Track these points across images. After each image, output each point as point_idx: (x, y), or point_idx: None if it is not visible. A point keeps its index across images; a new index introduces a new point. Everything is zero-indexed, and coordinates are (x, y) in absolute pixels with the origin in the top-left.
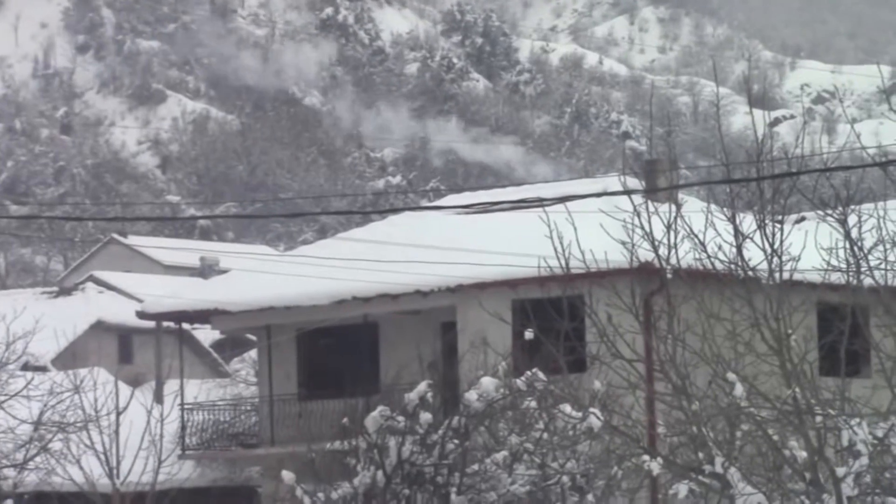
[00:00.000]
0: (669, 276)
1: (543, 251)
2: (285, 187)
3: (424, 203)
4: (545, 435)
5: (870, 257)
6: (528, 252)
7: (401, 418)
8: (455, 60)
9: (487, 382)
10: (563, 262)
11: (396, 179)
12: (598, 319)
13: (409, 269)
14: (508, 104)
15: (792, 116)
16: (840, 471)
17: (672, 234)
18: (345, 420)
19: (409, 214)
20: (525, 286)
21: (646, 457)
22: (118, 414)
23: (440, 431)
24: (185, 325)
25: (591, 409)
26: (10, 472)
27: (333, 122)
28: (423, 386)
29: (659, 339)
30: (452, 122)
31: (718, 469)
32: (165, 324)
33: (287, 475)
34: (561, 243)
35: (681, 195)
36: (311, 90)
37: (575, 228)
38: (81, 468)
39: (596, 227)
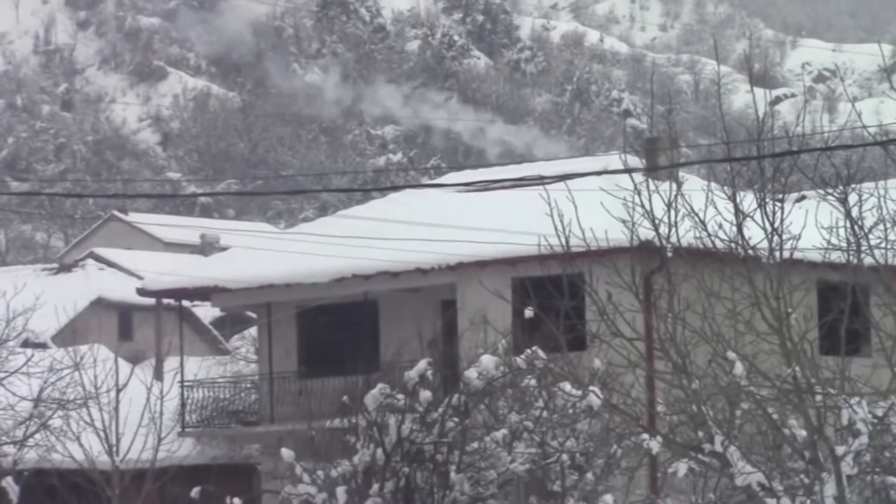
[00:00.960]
0: (670, 254)
1: (543, 229)
2: (286, 164)
3: (425, 181)
4: (545, 413)
5: (870, 236)
6: (528, 230)
7: (400, 396)
8: (456, 38)
9: (487, 360)
10: (563, 241)
11: (397, 157)
12: (598, 298)
13: (410, 247)
14: (509, 82)
15: (793, 95)
16: (840, 449)
17: (672, 212)
18: (344, 398)
19: (410, 192)
20: (525, 264)
21: (645, 435)
22: (118, 391)
23: (440, 409)
24: (186, 303)
25: (591, 388)
26: (10, 449)
27: (335, 100)
28: (422, 364)
29: (659, 317)
30: (453, 99)
31: (718, 448)
32: (165, 301)
33: (287, 453)
34: (561, 221)
35: (681, 173)
36: (312, 66)
37: (575, 207)
38: (81, 445)
39: (596, 205)
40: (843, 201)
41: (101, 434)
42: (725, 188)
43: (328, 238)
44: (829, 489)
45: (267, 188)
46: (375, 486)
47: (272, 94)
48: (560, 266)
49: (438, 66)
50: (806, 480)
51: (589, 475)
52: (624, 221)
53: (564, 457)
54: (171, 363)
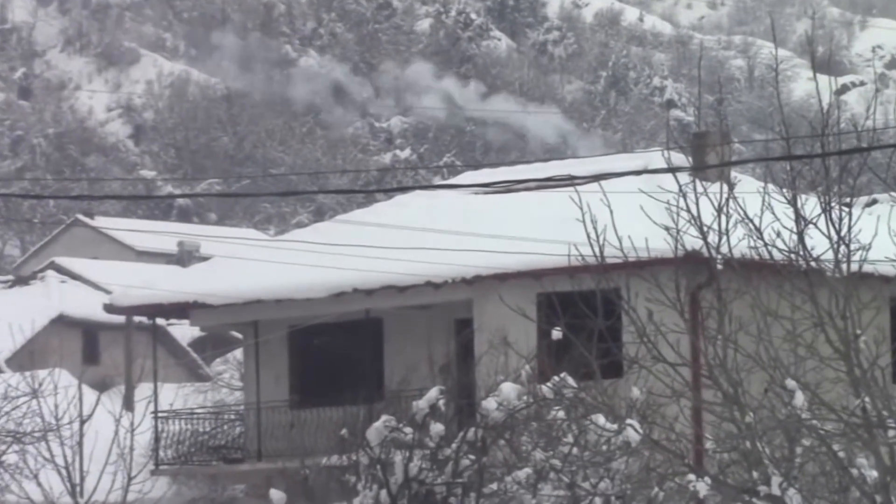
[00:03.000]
0: (720, 266)
1: (574, 237)
2: (277, 162)
3: (437, 181)
4: (575, 450)
5: None
6: (556, 238)
7: (408, 430)
8: (473, 16)
9: (508, 389)
10: (596, 250)
11: (405, 153)
12: (637, 317)
13: (419, 257)
14: (535, 67)
15: (862, 83)
16: None
17: (723, 218)
18: (343, 431)
19: (420, 194)
20: (552, 277)
21: (691, 476)
22: (82, 422)
23: (454, 445)
24: (160, 321)
25: (629, 421)
26: None
27: (333, 87)
28: (433, 392)
29: (707, 339)
30: (471, 87)
31: (775, 490)
32: (137, 319)
33: (276, 495)
34: (594, 228)
35: (733, 173)
36: (307, 49)
37: (611, 211)
38: (40, 484)
39: (635, 209)
40: None
41: (63, 472)
42: (784, 190)
43: (325, 247)
44: None
45: (255, 189)
46: None
47: (261, 81)
48: (593, 280)
49: (453, 48)
50: None
51: None
52: (667, 228)
53: (598, 500)
54: (143, 390)
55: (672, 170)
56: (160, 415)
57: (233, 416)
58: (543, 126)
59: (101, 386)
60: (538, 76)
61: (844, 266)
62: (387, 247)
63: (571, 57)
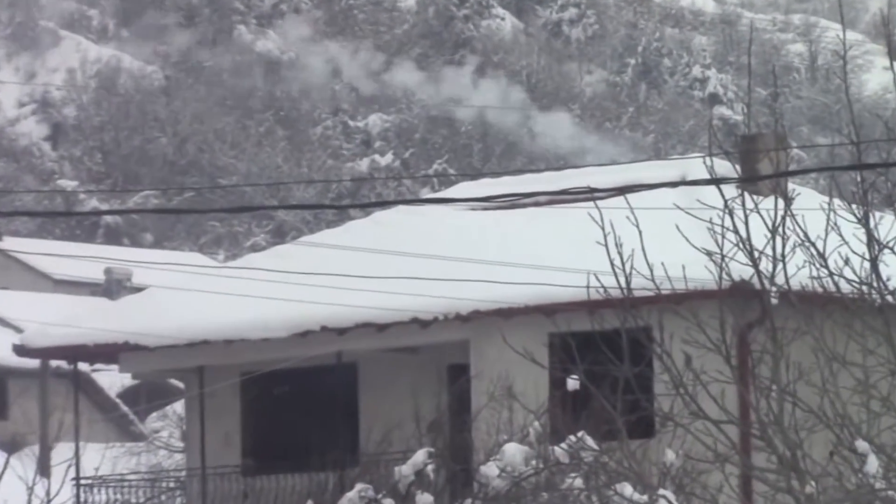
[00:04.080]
0: (775, 300)
1: (594, 264)
2: (227, 170)
3: (425, 194)
4: None
5: None
6: (572, 265)
7: (389, 501)
8: None
9: (513, 451)
10: (622, 281)
11: (386, 159)
12: (672, 363)
13: (403, 288)
14: (546, 53)
15: None
16: None
17: (779, 240)
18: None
19: (404, 210)
20: (568, 314)
21: None
22: None
23: None
24: (83, 366)
25: (662, 492)
26: None
27: (297, 77)
28: (420, 455)
29: (759, 391)
30: (467, 78)
31: None
32: (55, 363)
33: None
34: (620, 253)
35: (791, 185)
36: (265, 30)
37: (640, 232)
38: None
39: (670, 229)
40: None
41: None
42: (854, 207)
43: (287, 275)
44: None
45: (200, 204)
46: None
47: (208, 70)
48: (618, 317)
49: (445, 29)
50: None
51: None
52: (709, 253)
53: None
54: (61, 452)
55: (716, 181)
56: (83, 482)
57: (172, 485)
58: (557, 126)
59: (10, 446)
60: (550, 64)
61: None
62: (363, 275)
63: (592, 41)
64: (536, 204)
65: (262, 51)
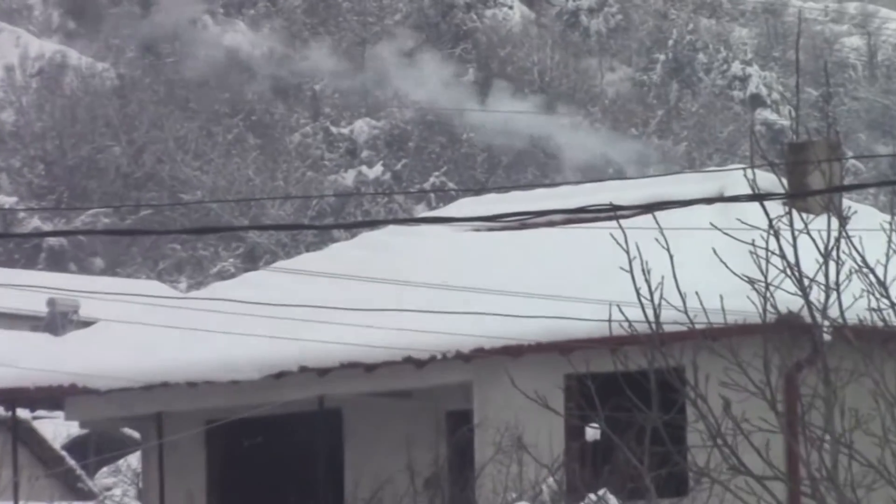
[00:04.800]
0: (828, 337)
1: (617, 293)
2: (190, 183)
3: (421, 212)
4: None
5: None
6: (591, 295)
7: None
8: None
9: None
10: (650, 313)
11: (374, 171)
12: (709, 409)
13: (395, 322)
14: (561, 48)
15: None
16: None
17: (833, 266)
18: None
19: (396, 230)
20: (587, 351)
21: None
22: None
23: None
24: (23, 413)
25: None
26: None
27: (272, 76)
28: None
29: (810, 442)
30: (469, 76)
31: None
32: None
33: None
34: (647, 280)
35: (846, 202)
36: (234, 21)
37: (671, 256)
38: None
39: (706, 253)
40: None
41: None
42: None
43: (259, 307)
44: None
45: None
46: None
47: (168, 68)
48: (645, 356)
49: (444, 20)
50: None
51: None
52: (752, 281)
53: None
54: None
55: (759, 197)
56: None
57: None
58: (574, 133)
59: None
60: (566, 61)
61: None
62: (348, 307)
63: (614, 33)
64: (550, 224)
65: (230, 45)
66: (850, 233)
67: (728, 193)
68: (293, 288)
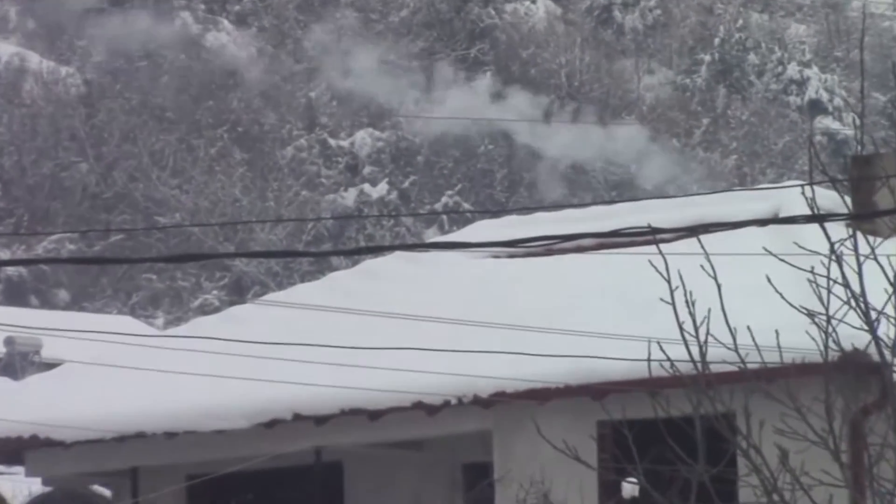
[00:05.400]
0: None
1: (657, 328)
2: (168, 204)
3: (431, 236)
4: None
5: None
6: (627, 331)
7: None
8: None
9: None
10: (694, 352)
11: (379, 190)
12: (763, 460)
13: (403, 362)
14: (592, 48)
15: None
16: None
17: None
18: None
19: (403, 257)
20: (622, 396)
21: None
22: None
23: None
24: None
25: None
26: None
27: (261, 81)
28: None
29: (878, 497)
30: (486, 79)
31: None
32: None
33: None
34: (691, 314)
35: None
36: (217, 19)
37: (718, 286)
38: None
39: (758, 281)
40: None
41: None
42: None
43: (247, 346)
44: None
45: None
46: None
47: (142, 71)
48: (689, 400)
49: (458, 16)
50: None
51: None
52: (811, 314)
53: None
54: None
55: (819, 217)
56: None
57: None
58: (607, 145)
59: None
60: (598, 62)
61: None
62: (349, 345)
63: (653, 31)
64: (580, 249)
65: (213, 46)
66: None
67: (783, 214)
68: (286, 324)
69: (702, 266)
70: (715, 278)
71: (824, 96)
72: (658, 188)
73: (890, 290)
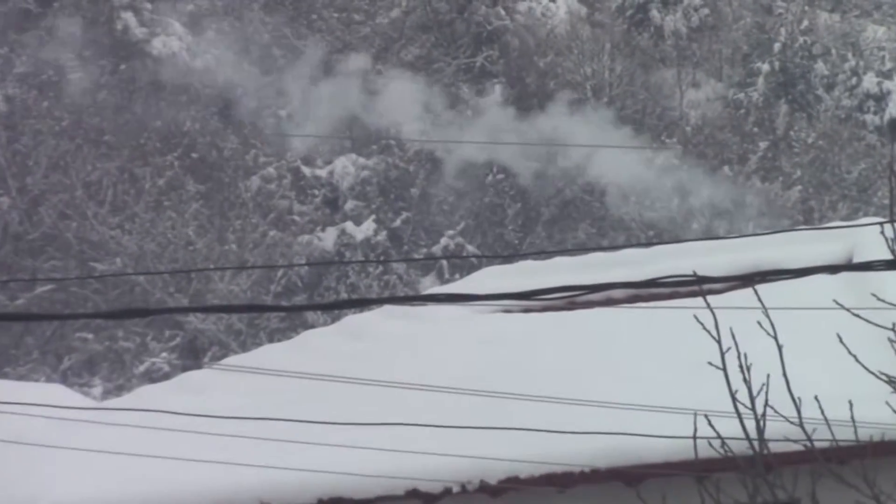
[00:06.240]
0: None
1: (703, 398)
2: (106, 247)
3: (428, 286)
4: None
5: None
6: (667, 402)
7: None
8: None
9: None
10: (750, 428)
11: (364, 230)
12: None
13: (394, 440)
14: (625, 55)
15: None
16: None
17: None
18: None
19: (393, 312)
20: (662, 481)
21: None
22: None
23: None
24: None
25: None
26: None
27: (219, 97)
28: None
29: None
30: (495, 94)
31: None
32: None
33: None
34: (747, 381)
35: None
36: (167, 21)
37: (779, 346)
38: None
39: (829, 341)
40: None
41: None
42: None
43: (204, 420)
44: None
45: (63, 304)
46: None
47: (73, 86)
48: (745, 485)
49: (460, 17)
50: None
51: None
52: (892, 382)
53: None
54: None
55: None
56: None
57: None
58: (643, 173)
59: None
60: (632, 72)
61: None
62: (328, 420)
63: (698, 35)
64: (609, 302)
65: (161, 54)
66: None
67: (858, 258)
68: (251, 393)
69: (759, 322)
70: (775, 337)
71: None
72: (705, 227)
73: None
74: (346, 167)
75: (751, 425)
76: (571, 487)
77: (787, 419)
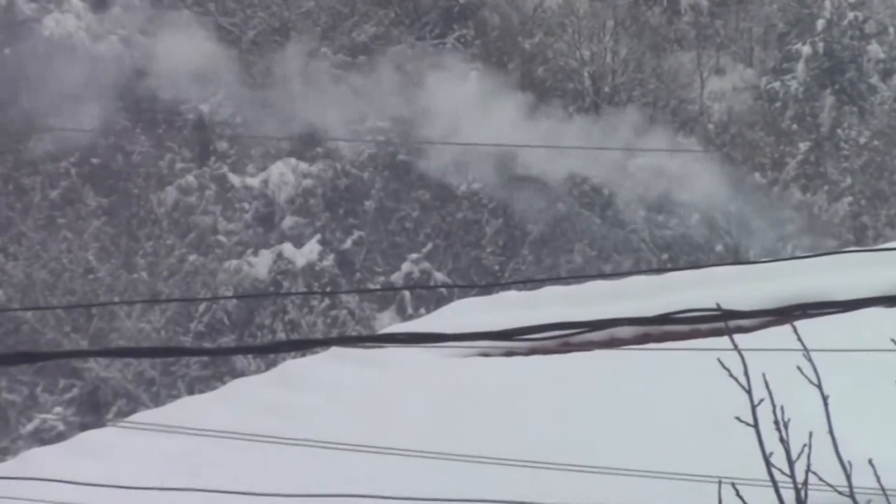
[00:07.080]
0: None
1: (730, 462)
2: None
3: (387, 322)
4: None
5: None
6: (682, 466)
7: None
8: None
9: None
10: (787, 497)
11: (307, 252)
12: None
13: None
14: (631, 34)
15: None
16: None
17: None
18: None
19: (341, 356)
20: None
21: None
22: None
23: None
24: None
25: None
26: None
27: (125, 86)
28: None
29: None
30: (471, 82)
31: None
32: None
33: None
34: (783, 440)
35: None
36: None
37: (824, 398)
38: None
39: (883, 390)
40: None
41: None
42: None
43: (108, 491)
44: None
45: None
46: None
47: None
48: None
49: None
50: None
51: None
52: None
53: None
54: None
55: None
56: None
57: None
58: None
59: None
60: (640, 57)
61: None
62: (262, 491)
63: (723, 13)
64: (613, 343)
65: (55, 34)
66: None
67: None
68: (166, 457)
69: (799, 367)
70: (819, 386)
71: None
72: (732, 249)
73: None
74: (283, 175)
75: (789, 496)
76: None
77: (834, 488)
